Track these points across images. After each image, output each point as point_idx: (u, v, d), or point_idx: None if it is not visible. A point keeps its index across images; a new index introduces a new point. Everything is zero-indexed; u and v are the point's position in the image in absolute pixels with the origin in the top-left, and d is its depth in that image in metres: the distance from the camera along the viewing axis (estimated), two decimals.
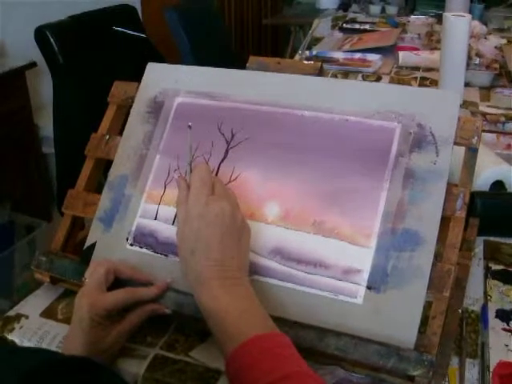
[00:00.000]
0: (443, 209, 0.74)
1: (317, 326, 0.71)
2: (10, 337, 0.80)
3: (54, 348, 0.77)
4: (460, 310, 0.77)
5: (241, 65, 0.93)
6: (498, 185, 1.07)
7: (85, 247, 0.85)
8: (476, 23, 2.07)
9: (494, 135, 1.38)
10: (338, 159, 0.79)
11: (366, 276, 0.73)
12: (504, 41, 2.15)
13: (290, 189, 0.80)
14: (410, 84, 1.90)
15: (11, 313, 0.84)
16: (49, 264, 0.85)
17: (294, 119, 0.83)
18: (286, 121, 0.84)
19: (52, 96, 2.06)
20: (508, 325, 0.80)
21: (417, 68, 2.05)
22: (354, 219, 0.76)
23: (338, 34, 2.67)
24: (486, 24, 2.41)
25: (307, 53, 2.25)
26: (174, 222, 0.81)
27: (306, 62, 0.91)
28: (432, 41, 2.38)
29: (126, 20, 2.32)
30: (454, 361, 0.74)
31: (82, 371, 0.55)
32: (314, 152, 0.81)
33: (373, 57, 2.14)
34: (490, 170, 1.07)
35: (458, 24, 1.58)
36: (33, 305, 0.86)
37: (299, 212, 0.78)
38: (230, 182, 0.82)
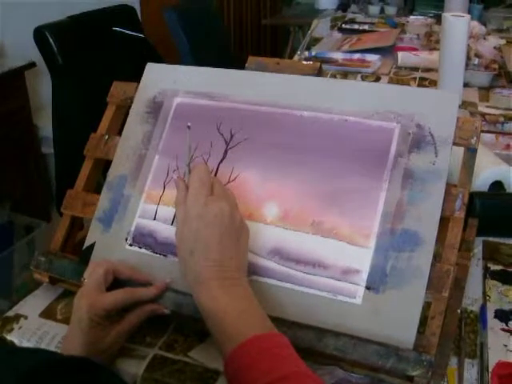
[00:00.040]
0: (442, 209, 0.74)
1: (316, 326, 0.71)
2: (9, 337, 0.80)
3: (53, 348, 0.77)
4: (459, 311, 0.77)
5: (240, 65, 0.93)
6: (497, 185, 1.08)
7: (84, 247, 0.85)
8: (475, 23, 2.07)
9: (493, 135, 1.38)
10: (337, 159, 0.79)
11: (364, 276, 0.73)
12: (503, 41, 2.15)
13: (289, 189, 0.80)
14: (408, 84, 1.90)
15: (10, 313, 0.84)
16: (48, 264, 0.85)
17: (293, 119, 0.83)
18: (285, 121, 0.84)
19: (51, 96, 2.06)
20: (507, 325, 0.80)
21: (416, 68, 2.05)
22: (353, 219, 0.76)
23: (337, 35, 2.67)
24: (485, 24, 2.41)
25: (306, 53, 2.25)
26: (173, 222, 0.81)
27: (305, 63, 0.91)
28: (431, 41, 2.38)
29: (125, 20, 2.32)
30: (453, 361, 0.74)
31: (81, 371, 0.55)
32: (313, 152, 0.81)
33: (372, 57, 2.14)
34: (489, 170, 1.07)
35: (457, 24, 1.59)
36: (32, 305, 0.86)
37: (298, 212, 0.78)
38: (229, 182, 0.82)
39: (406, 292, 0.71)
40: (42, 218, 2.56)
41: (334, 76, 2.00)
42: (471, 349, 0.76)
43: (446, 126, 0.77)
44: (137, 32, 2.31)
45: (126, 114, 0.92)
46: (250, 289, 0.69)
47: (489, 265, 0.94)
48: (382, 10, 3.34)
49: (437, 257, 0.73)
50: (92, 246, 0.84)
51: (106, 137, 0.92)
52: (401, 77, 1.99)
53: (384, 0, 3.61)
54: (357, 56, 2.19)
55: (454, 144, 0.77)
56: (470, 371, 0.73)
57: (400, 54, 2.14)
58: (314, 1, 4.06)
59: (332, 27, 2.90)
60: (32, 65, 2.55)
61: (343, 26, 2.85)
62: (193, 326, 0.77)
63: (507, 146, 1.35)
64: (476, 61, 1.91)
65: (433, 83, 1.86)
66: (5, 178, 2.54)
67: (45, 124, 2.67)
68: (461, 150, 0.78)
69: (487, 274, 0.91)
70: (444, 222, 0.74)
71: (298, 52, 2.41)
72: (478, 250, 0.95)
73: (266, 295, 0.74)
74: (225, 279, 0.67)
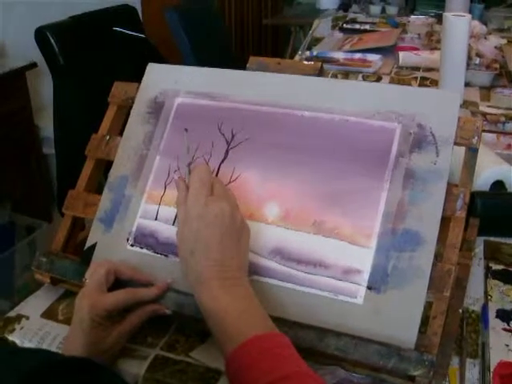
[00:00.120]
0: (443, 209, 0.74)
1: (317, 326, 0.71)
2: (10, 337, 0.80)
3: (54, 349, 0.77)
4: (460, 310, 0.77)
5: (241, 65, 0.93)
6: (499, 185, 1.07)
7: (85, 248, 0.85)
8: (476, 23, 2.07)
9: (494, 135, 1.38)
10: (338, 159, 0.79)
11: (366, 276, 0.73)
12: (504, 41, 2.15)
13: (290, 189, 0.80)
14: (410, 84, 1.90)
15: (12, 313, 0.84)
16: (49, 265, 0.85)
17: (294, 120, 0.83)
18: (286, 121, 0.84)
19: (52, 96, 2.06)
20: (508, 325, 0.80)
21: (417, 68, 2.05)
22: (355, 219, 0.76)
23: (339, 35, 2.67)
24: (485, 24, 2.41)
25: (307, 53, 2.25)
26: (174, 222, 0.81)
27: (306, 63, 0.91)
28: (432, 41, 2.38)
29: (127, 20, 2.32)
30: (455, 361, 0.74)
31: (82, 372, 0.55)
32: (314, 152, 0.81)
33: (373, 57, 2.14)
34: (490, 169, 1.07)
35: (458, 24, 1.58)
36: (33, 305, 0.86)
37: (299, 212, 0.78)
38: (230, 182, 0.82)
39: (407, 292, 0.71)
40: (44, 219, 2.56)
41: (335, 76, 2.00)
42: (473, 348, 0.76)
43: (447, 125, 0.77)
44: (138, 32, 2.31)
45: (128, 115, 0.92)
46: (251, 289, 0.69)
47: (490, 264, 0.94)
48: (383, 10, 3.34)
49: (438, 256, 0.73)
50: (93, 247, 0.84)
51: (108, 137, 0.92)
52: (402, 76, 1.99)
53: (385, 0, 3.61)
54: (358, 56, 2.19)
55: (455, 144, 0.77)
56: (472, 371, 0.73)
57: (401, 54, 2.14)
58: (315, 1, 4.06)
59: (333, 27, 2.90)
60: (33, 65, 2.55)
61: (344, 25, 2.85)
62: (194, 326, 0.77)
63: (508, 146, 1.35)
64: (477, 60, 1.91)
65: (434, 83, 1.86)
66: (6, 179, 2.55)
67: (46, 124, 2.67)
68: (462, 150, 0.78)
69: (489, 273, 0.91)
70: (445, 221, 0.74)
71: (299, 52, 2.41)
72: (479, 249, 0.95)
73: (267, 295, 0.74)
74: (226, 279, 0.67)
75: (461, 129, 0.77)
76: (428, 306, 0.71)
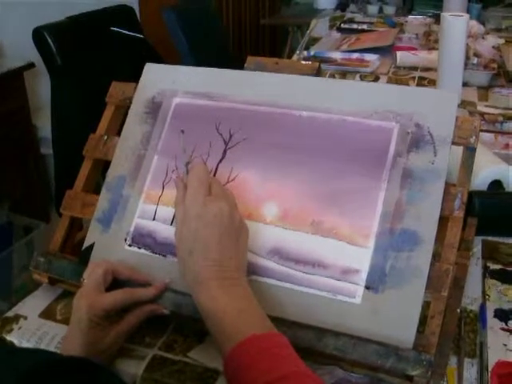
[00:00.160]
0: (441, 208, 0.74)
1: (315, 325, 0.71)
2: (8, 338, 0.80)
3: (52, 349, 0.77)
4: (458, 310, 0.77)
5: (239, 65, 0.93)
6: (496, 184, 1.08)
7: (83, 248, 0.85)
8: (474, 23, 2.07)
9: (492, 135, 1.38)
10: (336, 159, 0.79)
11: (364, 276, 0.73)
12: (502, 40, 2.15)
13: (288, 189, 0.80)
14: (407, 84, 1.90)
15: (10, 314, 0.84)
16: (47, 265, 0.85)
17: (292, 119, 0.83)
18: (283, 121, 0.84)
19: (50, 97, 2.06)
20: (506, 324, 0.80)
21: (415, 68, 2.06)
22: (353, 219, 0.76)
23: (336, 34, 2.67)
24: (483, 24, 2.41)
25: (305, 53, 2.25)
26: (172, 222, 0.81)
27: (303, 62, 0.91)
28: (430, 41, 2.38)
29: (124, 21, 2.32)
30: (453, 360, 0.74)
31: (80, 372, 0.55)
32: (311, 152, 0.81)
33: (371, 57, 2.14)
34: (488, 169, 1.07)
35: (456, 24, 1.59)
36: (31, 306, 0.86)
37: (298, 212, 0.78)
38: (228, 182, 0.82)
39: (405, 291, 0.71)
40: (41, 219, 2.56)
41: (332, 76, 2.00)
42: (471, 348, 0.76)
43: (444, 125, 0.77)
44: (136, 32, 2.31)
45: (125, 115, 0.92)
46: (249, 289, 0.69)
47: (488, 264, 0.94)
48: (381, 10, 3.34)
49: (436, 256, 0.73)
50: (91, 247, 0.84)
51: (105, 137, 0.92)
52: (400, 76, 1.99)
53: (382, 0, 3.61)
54: (355, 56, 2.19)
55: (453, 143, 0.77)
56: (470, 371, 0.73)
57: (399, 54, 2.14)
58: (313, 0, 4.06)
59: (331, 27, 2.90)
60: (31, 65, 2.55)
61: (342, 25, 2.85)
62: (192, 326, 0.77)
63: (506, 146, 1.35)
64: (475, 60, 1.91)
65: (432, 83, 1.86)
66: (4, 179, 2.54)
67: (44, 124, 2.67)
68: (460, 150, 0.78)
69: (486, 273, 0.92)
70: (443, 221, 0.74)
71: (297, 52, 2.41)
72: (477, 249, 0.96)
73: (266, 295, 0.74)
74: (224, 279, 0.67)
75: (459, 128, 0.77)
76: (426, 305, 0.71)
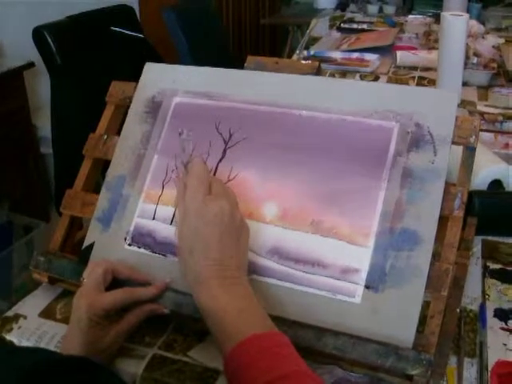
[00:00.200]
0: (441, 208, 0.74)
1: (315, 325, 0.71)
2: (8, 337, 0.80)
3: (52, 348, 0.77)
4: (458, 310, 0.77)
5: (239, 65, 0.93)
6: (496, 184, 1.08)
7: (83, 247, 0.85)
8: (474, 22, 2.07)
9: (491, 134, 1.38)
10: (336, 159, 0.79)
11: (364, 275, 0.73)
12: (502, 40, 2.15)
13: (288, 189, 0.80)
14: (407, 83, 1.90)
15: (9, 313, 0.84)
16: (47, 264, 0.85)
17: (292, 119, 0.83)
18: (283, 120, 0.84)
19: (50, 96, 2.06)
20: (506, 324, 0.80)
21: (414, 67, 2.06)
22: (353, 219, 0.76)
23: (336, 34, 2.67)
24: (483, 23, 2.41)
25: (305, 52, 2.25)
26: (172, 221, 0.81)
27: (303, 62, 0.91)
28: (430, 40, 2.38)
29: (124, 20, 2.32)
30: (452, 360, 0.74)
31: (80, 371, 0.55)
32: (311, 152, 0.81)
33: (370, 56, 2.15)
34: (487, 169, 1.07)
35: (456, 23, 1.59)
36: (31, 305, 0.86)
37: (297, 211, 0.78)
38: (227, 181, 0.82)
39: (405, 291, 0.71)
40: (41, 218, 2.56)
41: (332, 75, 2.00)
42: (470, 348, 0.76)
43: (444, 124, 0.77)
44: (136, 32, 2.31)
45: (125, 114, 0.92)
46: (250, 288, 0.69)
47: (488, 264, 0.94)
48: (381, 10, 3.34)
49: (436, 256, 0.73)
50: (91, 246, 0.84)
51: (105, 137, 0.92)
52: (399, 76, 1.99)
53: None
54: (355, 55, 2.19)
55: (453, 143, 0.77)
56: (470, 370, 0.73)
57: (399, 54, 2.14)
58: (313, 0, 4.06)
59: (331, 26, 2.90)
60: (31, 65, 2.55)
61: (342, 25, 2.86)
62: (192, 326, 0.77)
63: (506, 145, 1.35)
64: (475, 60, 1.91)
65: (432, 82, 1.86)
66: (4, 178, 2.54)
67: (44, 124, 2.67)
68: (460, 149, 0.78)
69: (486, 272, 0.92)
70: (443, 220, 0.74)
71: (297, 51, 2.41)
72: (477, 248, 0.96)
73: (266, 294, 0.74)
74: (225, 278, 0.67)
75: (458, 128, 0.77)
76: (426, 305, 0.71)
